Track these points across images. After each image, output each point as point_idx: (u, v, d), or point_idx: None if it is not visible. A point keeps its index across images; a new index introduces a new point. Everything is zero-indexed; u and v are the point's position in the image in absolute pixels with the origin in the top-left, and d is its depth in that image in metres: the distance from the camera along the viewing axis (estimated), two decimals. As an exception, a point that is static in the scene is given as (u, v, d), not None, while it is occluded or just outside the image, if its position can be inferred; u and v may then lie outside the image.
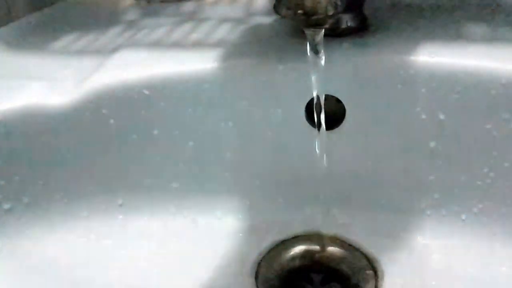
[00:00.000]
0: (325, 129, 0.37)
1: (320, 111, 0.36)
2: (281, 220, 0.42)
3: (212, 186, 0.43)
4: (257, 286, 0.38)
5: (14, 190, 0.39)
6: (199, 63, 0.39)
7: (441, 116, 0.37)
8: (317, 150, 0.38)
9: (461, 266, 0.38)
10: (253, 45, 0.41)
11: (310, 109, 0.39)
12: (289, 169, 0.42)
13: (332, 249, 0.40)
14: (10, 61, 0.45)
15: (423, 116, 0.38)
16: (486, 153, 0.37)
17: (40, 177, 0.40)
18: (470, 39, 0.39)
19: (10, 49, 0.47)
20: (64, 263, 0.40)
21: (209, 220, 0.43)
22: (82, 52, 0.45)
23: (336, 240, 0.40)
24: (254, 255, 0.40)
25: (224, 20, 0.48)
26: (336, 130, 0.40)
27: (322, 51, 0.34)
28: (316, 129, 0.37)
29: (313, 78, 0.35)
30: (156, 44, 0.44)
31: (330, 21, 0.33)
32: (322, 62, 0.34)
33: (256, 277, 0.38)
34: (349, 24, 0.40)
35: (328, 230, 0.40)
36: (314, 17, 0.32)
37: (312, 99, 0.36)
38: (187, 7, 0.54)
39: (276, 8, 0.34)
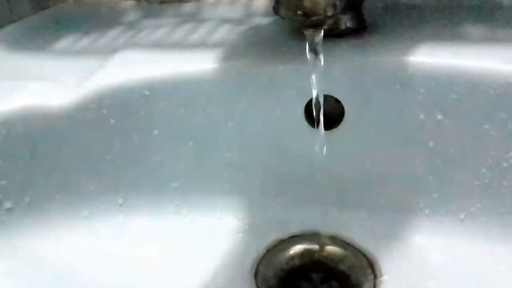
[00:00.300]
0: (324, 129, 0.37)
1: (319, 111, 0.36)
2: (281, 219, 0.42)
3: (211, 186, 0.43)
4: (256, 285, 0.38)
5: (15, 189, 0.40)
6: (199, 64, 0.39)
7: (439, 116, 0.37)
8: (316, 150, 0.38)
9: (459, 265, 0.38)
10: (252, 46, 0.41)
11: (309, 109, 0.39)
12: (289, 169, 0.42)
13: (331, 248, 0.40)
14: (11, 61, 0.45)
15: (422, 116, 0.38)
16: (484, 153, 0.37)
17: (41, 177, 0.40)
18: (468, 39, 0.39)
19: (11, 49, 0.47)
20: (64, 262, 0.40)
21: (209, 219, 0.43)
22: (82, 53, 0.45)
23: (335, 240, 0.41)
24: (253, 255, 0.40)
25: (223, 21, 0.48)
26: (335, 130, 0.40)
27: (321, 51, 0.34)
28: (315, 129, 0.37)
29: (312, 78, 0.35)
30: (157, 45, 0.44)
31: (329, 22, 0.33)
32: (321, 62, 0.35)
33: (256, 276, 0.38)
34: (348, 25, 0.40)
35: (327, 229, 0.41)
36: (313, 18, 0.32)
37: (311, 99, 0.36)
38: (187, 8, 0.54)
39: (275, 9, 0.34)
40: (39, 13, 0.57)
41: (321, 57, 0.34)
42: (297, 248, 0.41)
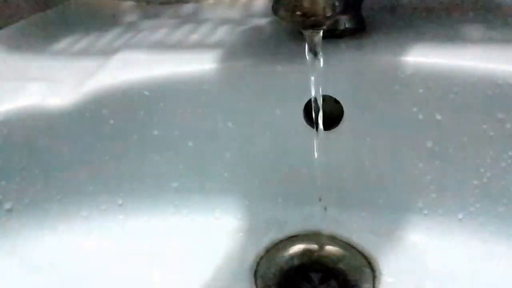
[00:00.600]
0: (323, 129, 0.37)
1: (318, 112, 0.36)
2: (280, 219, 0.43)
3: (211, 186, 0.43)
4: (256, 285, 0.38)
5: (15, 190, 0.40)
6: (199, 64, 0.39)
7: (438, 116, 0.37)
8: (315, 150, 0.38)
9: (458, 265, 0.38)
10: (252, 47, 0.41)
11: (308, 109, 0.39)
12: (288, 169, 0.42)
13: (330, 248, 0.40)
14: (11, 62, 0.45)
15: (420, 116, 0.38)
16: (482, 153, 0.37)
17: (41, 178, 0.40)
18: (467, 40, 0.39)
19: (11, 50, 0.47)
20: (64, 263, 0.40)
21: (209, 219, 0.43)
22: (82, 54, 0.45)
23: (334, 239, 0.41)
24: (253, 254, 0.40)
25: (223, 21, 0.48)
26: (334, 130, 0.40)
27: (320, 52, 0.34)
28: (314, 129, 0.37)
29: (312, 79, 0.35)
30: (156, 46, 0.44)
31: (328, 22, 0.33)
32: (320, 63, 0.35)
33: (255, 276, 0.39)
34: (347, 26, 0.41)
35: (326, 229, 0.41)
36: (312, 19, 0.32)
37: (311, 99, 0.36)
38: (187, 8, 0.54)
39: (274, 10, 0.34)
40: (39, 14, 0.57)
41: (320, 57, 0.34)
42: (296, 248, 0.41)
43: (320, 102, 0.36)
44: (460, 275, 0.37)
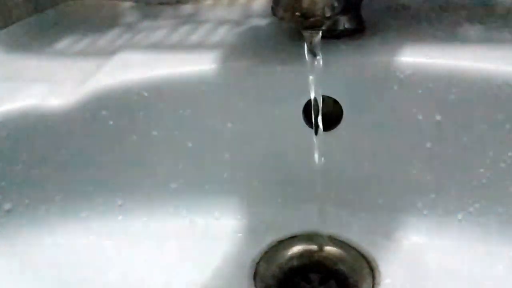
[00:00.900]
0: (322, 130, 0.37)
1: (317, 112, 0.36)
2: (279, 220, 0.43)
3: (210, 187, 0.43)
4: (255, 285, 0.38)
5: (15, 191, 0.40)
6: (198, 65, 0.39)
7: (438, 117, 0.37)
8: (314, 151, 0.38)
9: (457, 265, 0.38)
10: (251, 47, 0.41)
11: (307, 110, 0.39)
12: (287, 170, 0.42)
13: (329, 249, 0.40)
14: (10, 63, 0.45)
15: (420, 117, 0.38)
16: (482, 153, 0.37)
17: (40, 178, 0.40)
18: (466, 40, 0.39)
19: (10, 51, 0.47)
20: (63, 263, 0.40)
21: (208, 220, 0.43)
22: (82, 54, 0.45)
23: (334, 240, 0.41)
24: (252, 255, 0.40)
25: (222, 22, 0.48)
26: (334, 131, 0.40)
27: (320, 52, 0.34)
28: (314, 130, 0.37)
29: (311, 79, 0.35)
30: (155, 46, 0.44)
31: (328, 23, 0.33)
32: (320, 63, 0.35)
33: (255, 277, 0.39)
34: (346, 26, 0.41)
35: (325, 230, 0.41)
36: (312, 19, 0.32)
37: (310, 100, 0.36)
38: (186, 9, 0.54)
39: (273, 10, 0.34)
40: (38, 14, 0.57)
41: (320, 58, 0.35)
42: (296, 249, 0.41)
43: (319, 102, 0.36)
44: (459, 275, 0.37)
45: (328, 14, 0.32)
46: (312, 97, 0.36)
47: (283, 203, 0.43)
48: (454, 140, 0.38)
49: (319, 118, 0.36)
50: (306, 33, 0.34)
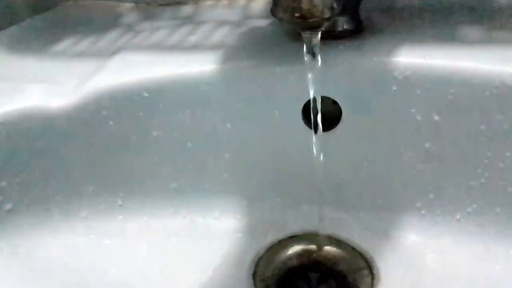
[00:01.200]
0: (321, 130, 0.37)
1: (316, 113, 0.36)
2: (279, 220, 0.43)
3: (210, 187, 0.43)
4: (255, 285, 0.38)
5: (15, 191, 0.40)
6: (198, 66, 0.40)
7: (436, 118, 0.38)
8: (314, 151, 0.38)
9: (455, 265, 0.38)
10: (250, 48, 0.42)
11: (307, 110, 0.39)
12: (287, 170, 0.42)
13: (328, 248, 0.40)
14: (11, 63, 0.45)
15: (418, 117, 0.38)
16: (480, 153, 0.38)
17: (41, 178, 0.40)
18: (465, 41, 0.39)
19: (11, 51, 0.47)
20: (64, 263, 0.40)
21: (208, 220, 0.43)
22: (82, 55, 0.45)
23: (333, 240, 0.41)
24: (252, 255, 0.40)
25: (222, 23, 0.48)
26: (333, 131, 0.40)
27: (319, 53, 0.35)
28: (313, 130, 0.37)
29: (310, 80, 0.35)
30: (155, 47, 0.44)
31: (327, 24, 0.33)
32: (319, 64, 0.35)
33: (254, 277, 0.39)
34: (345, 27, 0.41)
35: (324, 229, 0.41)
36: (311, 20, 0.32)
37: (309, 100, 0.36)
38: (186, 10, 0.54)
39: (273, 11, 0.34)
40: (39, 15, 0.57)
41: (319, 58, 0.35)
42: (295, 248, 0.41)
43: (318, 103, 0.36)
44: (458, 275, 0.37)
45: (327, 15, 0.32)
46: (311, 97, 0.36)
47: (282, 203, 0.43)
48: (453, 140, 0.38)
49: (318, 118, 0.36)
50: (305, 34, 0.34)
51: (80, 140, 0.40)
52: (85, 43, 0.47)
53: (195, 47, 0.43)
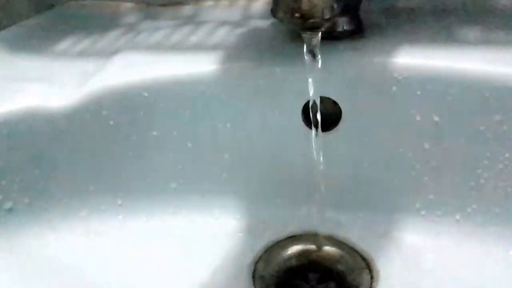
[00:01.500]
0: (321, 130, 0.37)
1: (316, 113, 0.36)
2: (278, 220, 0.43)
3: (210, 187, 0.43)
4: (254, 285, 0.38)
5: (15, 190, 0.40)
6: (198, 66, 0.40)
7: (436, 118, 0.38)
8: (313, 151, 0.38)
9: (455, 265, 0.38)
10: (250, 48, 0.42)
11: (307, 110, 0.40)
12: (286, 170, 0.42)
13: (328, 248, 0.40)
14: (11, 63, 0.45)
15: (418, 118, 0.38)
16: (479, 154, 0.38)
17: (41, 178, 0.41)
18: (464, 42, 0.39)
19: (11, 51, 0.48)
20: (63, 262, 0.40)
21: (207, 220, 0.43)
22: (82, 55, 0.45)
23: (332, 240, 0.41)
24: (251, 255, 0.40)
25: (222, 23, 0.48)
26: (333, 131, 0.40)
27: (319, 54, 0.35)
28: (313, 130, 0.37)
29: (310, 80, 0.35)
30: (156, 47, 0.44)
31: (327, 24, 0.33)
32: (319, 64, 0.35)
33: (254, 276, 0.39)
34: (345, 28, 0.41)
35: (324, 230, 0.41)
36: (311, 21, 0.32)
37: (309, 101, 0.36)
38: (186, 10, 0.54)
39: (273, 12, 0.34)
40: (39, 15, 0.58)
41: (319, 59, 0.35)
42: (295, 248, 0.41)
43: (318, 103, 0.36)
44: (457, 275, 0.37)
45: (327, 16, 0.32)
46: (311, 98, 0.36)
47: (282, 203, 0.43)
48: (452, 141, 0.38)
49: (318, 119, 0.36)
50: (306, 35, 0.34)
51: (80, 140, 0.40)
52: (85, 43, 0.48)
53: (196, 47, 0.43)
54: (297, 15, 0.32)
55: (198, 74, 0.39)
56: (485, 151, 0.38)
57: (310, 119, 0.37)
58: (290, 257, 0.40)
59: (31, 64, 0.45)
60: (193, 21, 0.50)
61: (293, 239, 0.42)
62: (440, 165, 0.39)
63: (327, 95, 0.39)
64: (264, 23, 0.47)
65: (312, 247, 0.41)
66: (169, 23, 0.50)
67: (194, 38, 0.45)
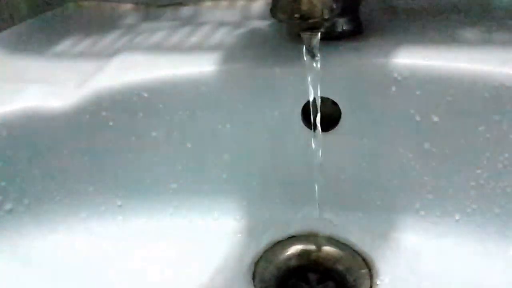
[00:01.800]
0: (321, 131, 0.37)
1: (316, 113, 0.36)
2: (278, 220, 0.43)
3: (209, 187, 0.43)
4: (254, 285, 0.38)
5: (15, 191, 0.40)
6: (197, 66, 0.40)
7: (435, 118, 0.38)
8: (313, 151, 0.38)
9: (454, 266, 0.38)
10: (250, 49, 0.42)
11: (306, 111, 0.40)
12: (286, 170, 0.42)
13: (328, 249, 0.41)
14: (11, 64, 0.45)
15: (417, 118, 0.38)
16: (479, 154, 0.38)
17: (40, 179, 0.41)
18: (463, 42, 0.39)
19: (11, 52, 0.48)
20: (64, 263, 0.40)
21: (207, 220, 0.43)
22: (82, 56, 0.45)
23: (332, 240, 0.41)
24: (251, 255, 0.40)
25: (221, 24, 0.48)
26: (332, 132, 0.40)
27: (318, 54, 0.35)
28: (312, 131, 0.37)
29: (309, 81, 0.35)
30: (155, 48, 0.44)
31: (326, 24, 0.33)
32: (318, 65, 0.35)
33: (254, 277, 0.39)
34: (344, 28, 0.41)
35: (324, 230, 0.41)
36: (310, 21, 0.33)
37: (308, 101, 0.36)
38: (185, 11, 0.54)
39: (272, 12, 0.34)
40: (39, 16, 0.58)
41: (318, 59, 0.35)
42: (295, 249, 0.41)
43: (318, 103, 0.36)
44: (457, 276, 0.37)
45: (326, 16, 0.32)
46: (311, 98, 0.36)
47: (281, 204, 0.43)
48: (452, 141, 0.38)
49: (318, 119, 0.36)
50: (305, 35, 0.34)
51: (80, 140, 0.40)
52: (85, 44, 0.48)
53: (195, 48, 0.43)
54: (296, 15, 0.32)
55: (198, 75, 0.39)
56: (485, 151, 0.38)
57: (310, 120, 0.37)
58: (290, 258, 0.40)
59: (31, 65, 0.45)
60: (193, 22, 0.50)
61: (293, 239, 0.42)
62: (439, 165, 0.39)
63: (326, 96, 0.39)
64: (264, 24, 0.47)
65: (312, 247, 0.41)
66: (169, 24, 0.50)
67: (193, 39, 0.45)
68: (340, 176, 0.41)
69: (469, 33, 0.41)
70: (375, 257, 0.39)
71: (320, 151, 0.38)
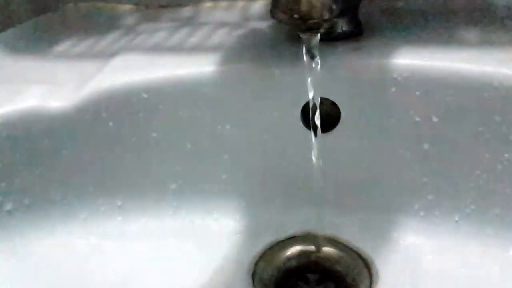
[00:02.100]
0: (320, 131, 0.37)
1: (315, 114, 0.36)
2: (278, 221, 0.43)
3: (209, 188, 0.43)
4: (253, 286, 0.38)
5: (15, 192, 0.40)
6: (197, 67, 0.40)
7: (435, 119, 0.38)
8: (312, 152, 0.38)
9: (454, 266, 0.38)
10: (249, 50, 0.42)
11: (306, 112, 0.40)
12: (285, 171, 0.42)
13: (327, 249, 0.40)
14: (11, 65, 0.45)
15: (417, 119, 0.38)
16: (478, 155, 0.38)
17: (40, 179, 0.41)
18: (463, 43, 0.39)
19: (11, 53, 0.48)
20: (64, 264, 0.40)
21: (207, 221, 0.43)
22: (82, 56, 0.45)
23: (331, 241, 0.41)
24: (251, 256, 0.40)
25: (221, 25, 0.48)
26: (332, 132, 0.40)
27: (318, 55, 0.35)
28: (312, 131, 0.37)
29: (309, 81, 0.35)
30: (155, 48, 0.44)
31: (326, 25, 0.33)
32: (318, 65, 0.35)
33: (253, 277, 0.39)
34: (344, 29, 0.41)
35: (323, 231, 0.41)
36: (310, 22, 0.33)
37: (308, 102, 0.36)
38: (185, 12, 0.54)
39: (272, 13, 0.34)
40: (39, 17, 0.58)
41: (318, 60, 0.35)
42: (294, 249, 0.41)
43: (317, 104, 0.36)
44: (456, 276, 0.37)
45: (326, 17, 0.33)
46: (310, 99, 0.36)
47: (281, 204, 0.43)
48: (451, 141, 0.38)
49: (317, 120, 0.36)
50: (305, 36, 0.34)
51: (80, 141, 0.40)
52: (85, 45, 0.48)
53: (195, 49, 0.43)
54: (296, 16, 0.33)
55: (198, 76, 0.39)
56: (484, 151, 0.37)
57: (309, 120, 0.37)
58: (290, 258, 0.40)
59: (31, 65, 0.45)
60: (192, 22, 0.50)
61: (292, 240, 0.42)
62: (439, 165, 0.39)
63: (326, 96, 0.39)
64: (263, 24, 0.47)
65: (311, 248, 0.41)
66: (168, 25, 0.50)
67: (193, 40, 0.45)
68: (339, 176, 0.41)
69: (469, 33, 0.41)
70: (374, 258, 0.39)
71: (319, 151, 0.38)
